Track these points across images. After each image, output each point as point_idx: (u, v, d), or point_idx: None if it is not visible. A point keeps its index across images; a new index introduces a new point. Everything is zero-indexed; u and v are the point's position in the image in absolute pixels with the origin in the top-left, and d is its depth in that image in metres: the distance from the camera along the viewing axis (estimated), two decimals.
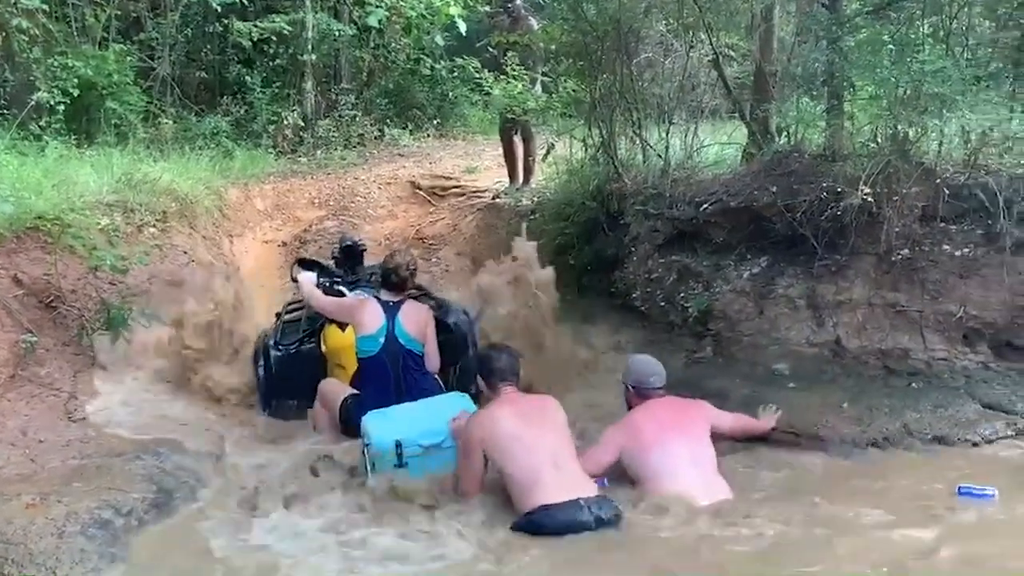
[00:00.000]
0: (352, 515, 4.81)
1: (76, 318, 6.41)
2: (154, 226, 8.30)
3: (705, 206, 7.02)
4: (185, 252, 8.56)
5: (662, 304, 7.19)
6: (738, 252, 6.92)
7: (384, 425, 5.25)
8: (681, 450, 4.91)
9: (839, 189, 6.07)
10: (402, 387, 5.91)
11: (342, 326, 6.35)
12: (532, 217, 9.38)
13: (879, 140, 6.38)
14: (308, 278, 6.54)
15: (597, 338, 7.41)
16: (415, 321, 6.10)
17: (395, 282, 6.17)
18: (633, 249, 7.53)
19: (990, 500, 4.61)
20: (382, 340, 5.98)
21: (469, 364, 6.33)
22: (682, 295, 7.04)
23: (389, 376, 5.95)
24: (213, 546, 4.50)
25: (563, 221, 8.46)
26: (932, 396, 5.64)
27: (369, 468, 5.15)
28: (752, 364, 6.42)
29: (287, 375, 6.42)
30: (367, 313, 6.08)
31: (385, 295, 6.20)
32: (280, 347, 6.52)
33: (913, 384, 5.84)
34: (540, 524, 4.46)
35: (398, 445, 5.10)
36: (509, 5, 10.62)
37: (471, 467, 4.86)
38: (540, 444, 4.70)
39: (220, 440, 5.90)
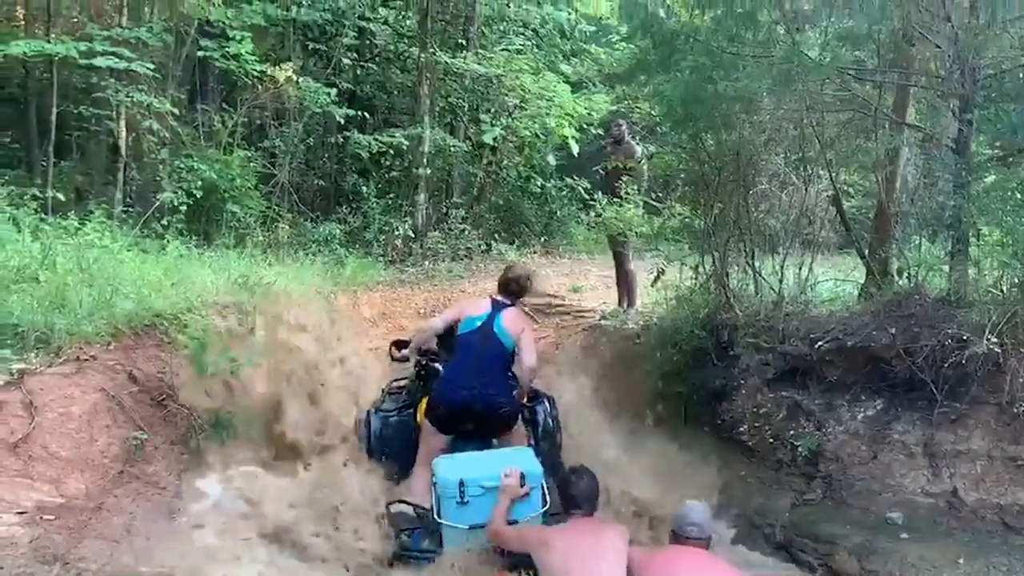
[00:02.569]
0: None
1: (185, 417, 6.49)
2: (265, 329, 8.41)
3: (820, 343, 6.87)
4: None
5: (770, 440, 7.01)
6: (852, 392, 6.74)
7: (451, 466, 5.94)
8: None
9: (963, 336, 5.89)
10: (480, 366, 6.46)
11: None
12: (637, 341, 9.30)
13: (1005, 288, 6.22)
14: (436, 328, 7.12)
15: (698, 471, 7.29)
16: (513, 322, 6.73)
17: (514, 290, 6.98)
18: (742, 381, 7.38)
19: None
20: (479, 324, 6.66)
21: (551, 447, 7.00)
22: (792, 433, 6.87)
23: (474, 352, 6.53)
24: None
25: (670, 348, 8.34)
26: None
27: (435, 503, 5.82)
28: (864, 510, 6.20)
29: (386, 438, 6.99)
30: (477, 303, 6.98)
31: (499, 298, 6.89)
32: (380, 412, 7.09)
33: None
34: None
35: (461, 483, 5.74)
36: (614, 130, 10.72)
37: (510, 539, 5.39)
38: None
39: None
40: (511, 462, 5.87)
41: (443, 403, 6.47)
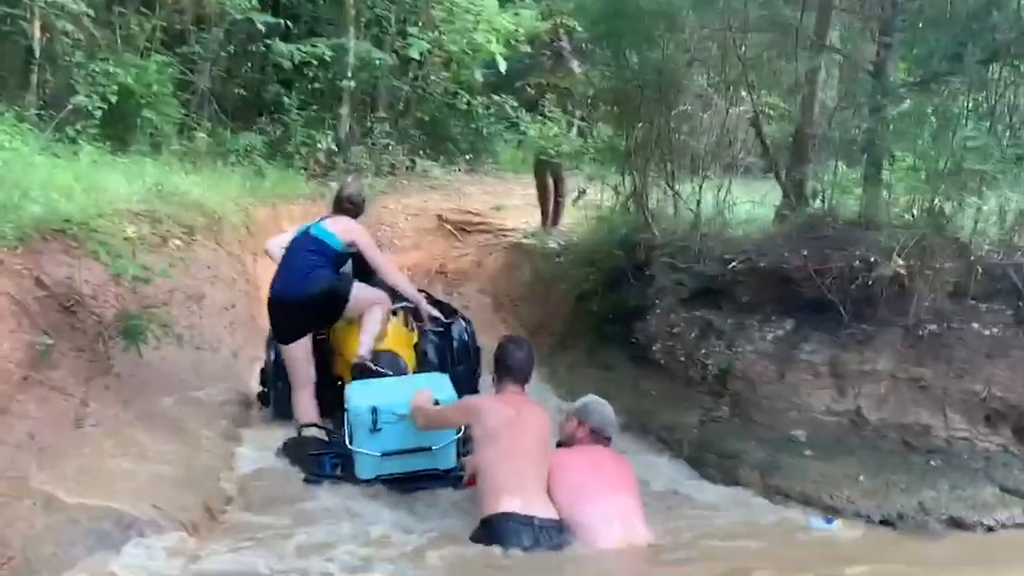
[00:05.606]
0: None
1: (94, 324, 6.35)
2: (179, 239, 8.26)
3: (733, 264, 6.92)
4: (208, 267, 8.53)
5: (682, 359, 7.05)
6: (763, 313, 6.80)
7: (363, 393, 5.82)
8: (630, 504, 4.95)
9: (871, 258, 5.99)
10: (293, 262, 6.48)
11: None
12: (557, 260, 9.33)
13: (915, 212, 6.31)
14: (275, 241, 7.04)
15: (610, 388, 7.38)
16: (337, 223, 6.62)
17: (347, 208, 6.79)
18: (657, 301, 7.42)
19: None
20: (301, 231, 6.67)
21: (468, 370, 6.99)
22: (703, 352, 6.91)
23: (291, 252, 6.56)
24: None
25: (588, 267, 8.39)
26: (950, 476, 5.50)
27: (347, 430, 5.72)
28: (769, 428, 6.28)
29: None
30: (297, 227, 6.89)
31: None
32: None
33: (932, 462, 5.67)
34: (496, 532, 4.65)
35: (374, 411, 5.63)
36: (554, 44, 10.60)
37: (449, 415, 5.46)
38: (523, 451, 4.89)
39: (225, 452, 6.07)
40: (424, 387, 5.77)
41: (269, 304, 6.58)
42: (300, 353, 6.46)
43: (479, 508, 4.85)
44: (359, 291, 6.56)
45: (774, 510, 5.58)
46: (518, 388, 5.30)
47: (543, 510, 4.74)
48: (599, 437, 5.25)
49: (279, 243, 6.85)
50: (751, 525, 5.34)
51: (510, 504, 4.68)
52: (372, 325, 6.44)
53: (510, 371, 5.30)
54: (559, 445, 5.32)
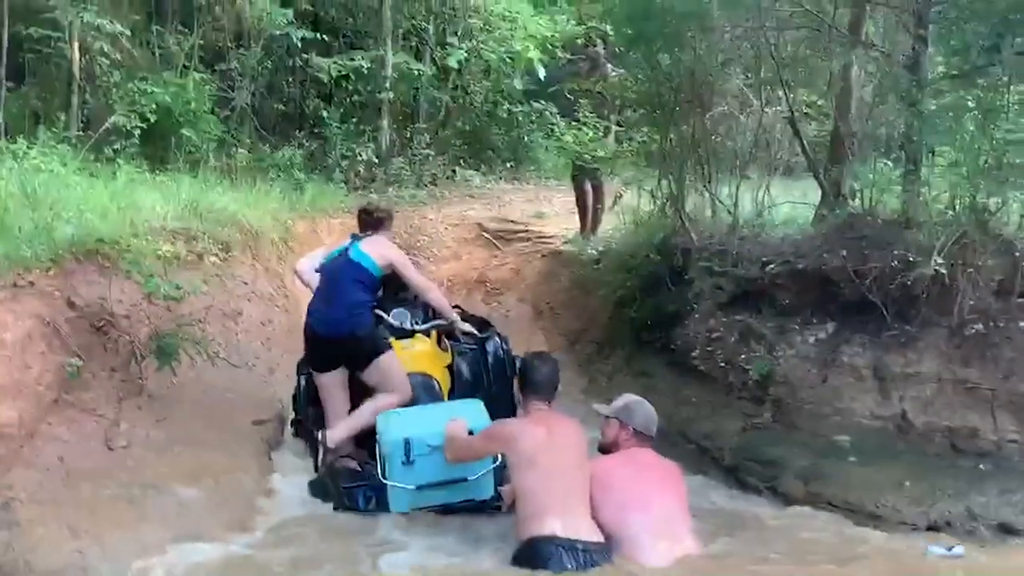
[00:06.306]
0: None
1: (126, 344, 6.35)
2: (216, 255, 8.28)
3: (772, 266, 6.78)
4: (246, 283, 8.53)
5: (722, 365, 6.91)
6: (804, 316, 6.65)
7: (396, 423, 5.62)
8: (677, 514, 4.81)
9: (911, 257, 5.83)
10: (328, 291, 6.21)
11: None
12: (596, 267, 9.24)
13: (956, 209, 6.13)
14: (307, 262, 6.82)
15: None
16: (375, 245, 6.30)
17: (370, 223, 6.51)
18: (695, 306, 7.29)
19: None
20: (337, 254, 6.35)
21: (503, 388, 6.51)
22: (743, 357, 6.77)
23: (328, 279, 6.28)
24: None
25: (626, 273, 8.30)
26: (1000, 480, 5.32)
27: (380, 463, 5.57)
28: (812, 434, 6.14)
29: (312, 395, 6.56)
30: (342, 242, 6.54)
31: (358, 233, 6.50)
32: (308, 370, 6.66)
33: (981, 466, 5.50)
34: (537, 555, 4.49)
35: (407, 442, 5.44)
36: (589, 50, 10.56)
37: (478, 446, 5.26)
38: (561, 471, 4.72)
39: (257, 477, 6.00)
40: (458, 415, 5.56)
41: (305, 336, 6.30)
42: (334, 381, 6.21)
43: (520, 531, 4.69)
44: (395, 368, 6.17)
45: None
46: (545, 404, 5.09)
47: (587, 532, 4.59)
48: (644, 438, 5.11)
49: (311, 264, 6.65)
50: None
51: (552, 526, 4.53)
52: (364, 416, 6.03)
53: (536, 388, 5.10)
54: (601, 449, 5.20)
